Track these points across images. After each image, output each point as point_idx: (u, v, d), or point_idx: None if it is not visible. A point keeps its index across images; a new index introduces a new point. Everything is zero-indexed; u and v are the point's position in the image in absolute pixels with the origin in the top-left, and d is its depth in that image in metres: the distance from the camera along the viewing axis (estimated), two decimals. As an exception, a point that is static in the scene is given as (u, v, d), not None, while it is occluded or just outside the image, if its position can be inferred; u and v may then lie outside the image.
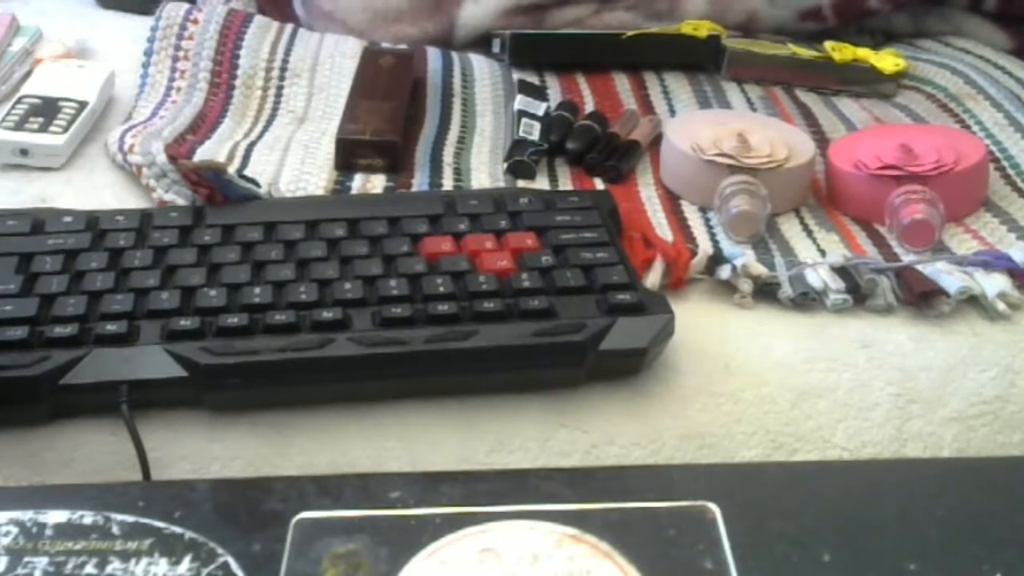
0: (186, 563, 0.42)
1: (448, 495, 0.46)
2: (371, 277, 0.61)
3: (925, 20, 0.99)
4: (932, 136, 0.75)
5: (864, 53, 0.91)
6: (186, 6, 0.89)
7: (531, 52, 0.89)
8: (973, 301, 0.65)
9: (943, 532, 0.45)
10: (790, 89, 0.90)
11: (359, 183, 0.74)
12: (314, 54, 0.89)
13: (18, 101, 0.79)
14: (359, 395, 0.58)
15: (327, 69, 0.88)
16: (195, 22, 0.88)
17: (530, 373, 0.58)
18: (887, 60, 0.90)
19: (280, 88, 0.86)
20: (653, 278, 0.65)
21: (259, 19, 0.91)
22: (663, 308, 0.60)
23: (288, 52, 0.89)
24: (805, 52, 0.92)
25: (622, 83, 0.90)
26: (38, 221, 0.65)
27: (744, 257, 0.66)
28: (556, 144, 0.79)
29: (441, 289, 0.60)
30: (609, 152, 0.78)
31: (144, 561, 0.42)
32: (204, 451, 0.56)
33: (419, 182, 0.75)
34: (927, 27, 0.99)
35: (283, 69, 0.87)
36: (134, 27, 0.92)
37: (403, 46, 0.91)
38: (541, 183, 0.76)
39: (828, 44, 0.92)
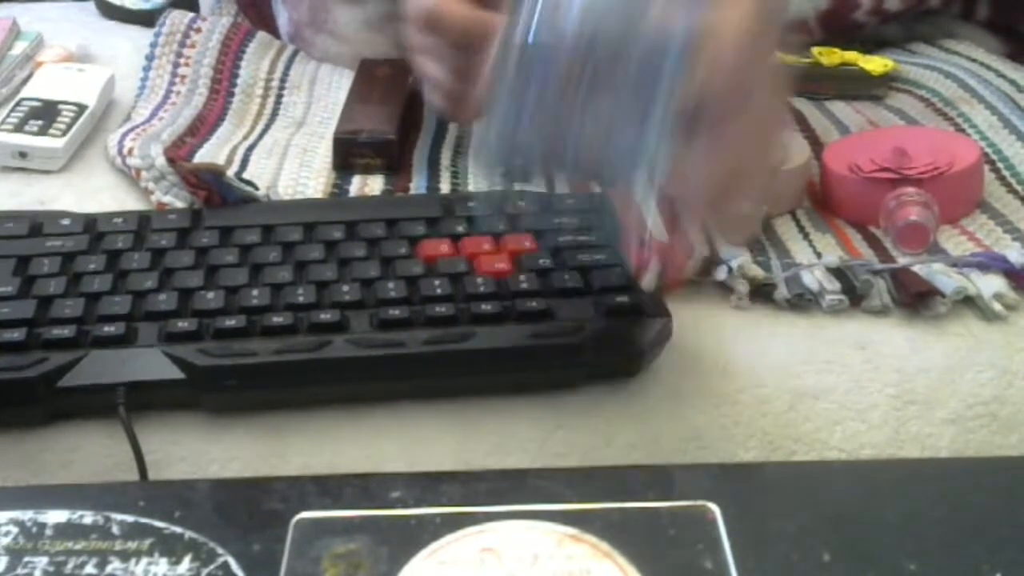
0: (186, 563, 0.42)
1: (448, 495, 0.46)
2: (369, 279, 0.61)
3: (916, 29, 0.99)
4: (927, 139, 0.75)
5: (852, 56, 0.91)
6: (191, 15, 0.90)
7: None
8: (969, 302, 0.65)
9: (943, 532, 0.45)
10: (781, 96, 0.90)
11: (357, 186, 0.74)
12: (313, 71, 0.91)
13: (18, 104, 0.79)
14: (357, 397, 0.58)
15: (326, 84, 0.89)
16: (198, 31, 0.88)
17: (528, 375, 0.59)
18: (875, 62, 0.90)
19: (280, 97, 0.87)
20: (650, 280, 0.65)
21: (261, 35, 0.92)
22: (660, 310, 0.60)
23: (288, 69, 0.90)
24: (792, 59, 0.92)
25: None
26: (36, 223, 0.65)
27: (740, 259, 0.66)
28: (554, 147, 0.79)
29: (439, 291, 0.60)
30: (606, 155, 0.78)
31: (144, 561, 0.42)
32: (202, 453, 0.56)
33: (417, 185, 0.75)
34: (919, 36, 0.99)
35: (283, 81, 0.88)
36: (137, 37, 0.92)
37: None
38: (539, 185, 0.76)
39: (815, 49, 0.92)
